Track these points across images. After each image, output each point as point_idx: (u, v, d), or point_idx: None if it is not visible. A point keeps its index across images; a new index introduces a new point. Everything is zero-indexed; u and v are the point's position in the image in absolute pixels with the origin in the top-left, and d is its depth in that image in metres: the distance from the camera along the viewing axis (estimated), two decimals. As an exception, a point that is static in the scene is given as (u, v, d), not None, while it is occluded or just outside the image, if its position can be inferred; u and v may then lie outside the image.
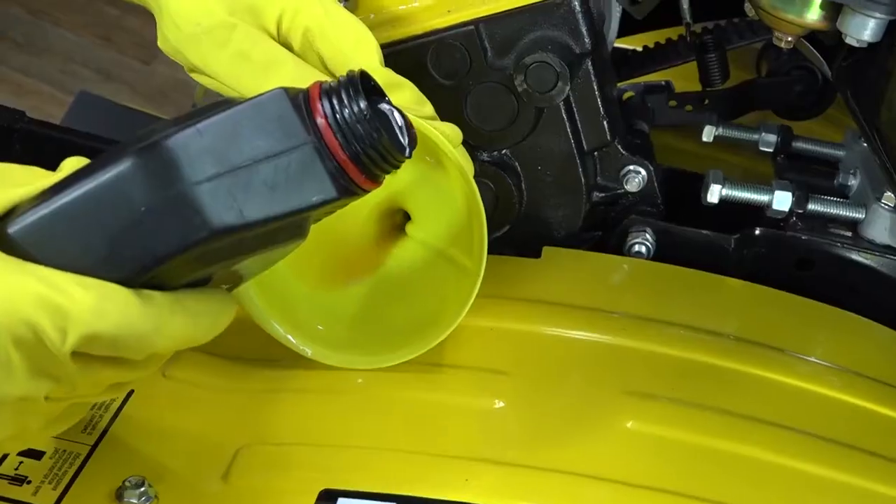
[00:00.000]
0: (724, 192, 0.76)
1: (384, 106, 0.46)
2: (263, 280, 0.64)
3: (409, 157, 0.46)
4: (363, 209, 0.68)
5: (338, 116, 0.44)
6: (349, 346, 0.66)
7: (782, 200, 0.76)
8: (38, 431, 0.47)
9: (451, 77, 0.72)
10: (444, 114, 0.61)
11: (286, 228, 0.45)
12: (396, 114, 0.46)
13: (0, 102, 0.87)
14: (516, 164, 0.76)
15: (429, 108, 0.60)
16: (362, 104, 0.44)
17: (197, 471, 0.60)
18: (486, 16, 0.70)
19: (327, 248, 0.67)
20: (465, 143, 0.62)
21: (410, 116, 0.53)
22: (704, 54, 0.86)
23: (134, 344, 0.43)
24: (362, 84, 0.45)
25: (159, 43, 0.62)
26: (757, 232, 0.77)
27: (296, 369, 0.66)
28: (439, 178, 0.65)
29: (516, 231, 0.77)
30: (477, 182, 0.61)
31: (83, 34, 1.77)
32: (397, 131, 0.46)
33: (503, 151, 0.76)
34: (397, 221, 0.69)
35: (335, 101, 0.44)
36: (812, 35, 0.72)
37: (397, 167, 0.46)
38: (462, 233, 0.64)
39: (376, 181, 0.46)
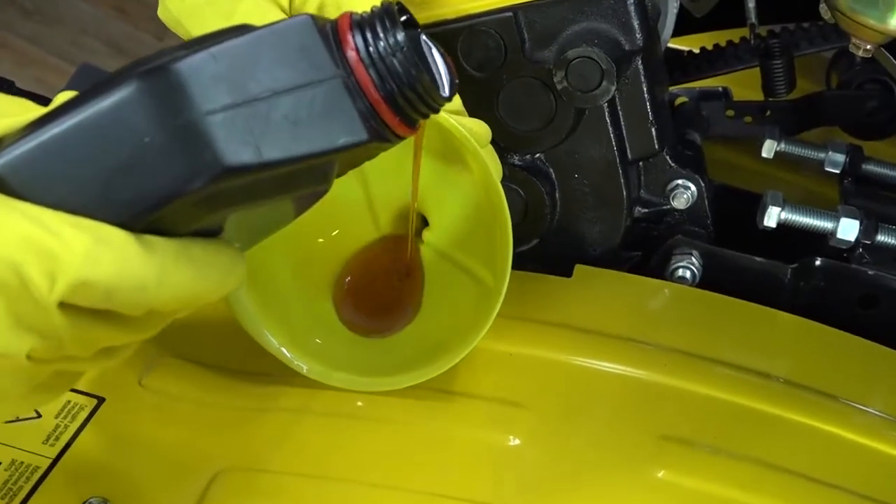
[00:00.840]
0: (784, 215, 0.74)
1: (422, 40, 0.44)
2: (258, 281, 0.63)
3: (450, 99, 0.44)
4: (376, 208, 0.67)
5: (371, 50, 0.42)
6: (350, 364, 0.65)
7: (848, 229, 0.74)
8: (17, 399, 0.44)
9: (483, 69, 0.71)
10: (472, 109, 0.60)
11: (308, 173, 0.43)
12: (435, 50, 0.44)
13: (-1, 72, 0.83)
14: (550, 170, 0.75)
15: (455, 101, 0.59)
16: (399, 37, 0.42)
17: (168, 494, 0.59)
18: (527, 1, 0.68)
19: (333, 250, 0.67)
20: (493, 143, 0.61)
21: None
22: (769, 60, 0.84)
23: (131, 296, 0.40)
24: (399, 15, 0.43)
25: (159, 12, 0.60)
26: (817, 262, 0.75)
27: (288, 387, 0.65)
28: (462, 181, 0.64)
29: (546, 245, 0.76)
30: (505, 188, 0.60)
31: (97, 4, 1.76)
32: (437, 69, 0.44)
33: (537, 155, 0.74)
34: (414, 226, 0.67)
35: (368, 33, 0.42)
36: (893, 44, 0.70)
37: (436, 111, 0.44)
38: (484, 244, 0.63)
39: (412, 127, 0.44)
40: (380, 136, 0.43)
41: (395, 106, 0.43)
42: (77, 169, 0.40)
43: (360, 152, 0.44)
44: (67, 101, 0.41)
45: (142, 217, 0.41)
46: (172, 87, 0.40)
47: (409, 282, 0.67)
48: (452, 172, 0.64)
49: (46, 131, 0.40)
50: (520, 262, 0.68)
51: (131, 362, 0.66)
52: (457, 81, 0.45)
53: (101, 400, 0.64)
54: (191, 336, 0.68)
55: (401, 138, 0.44)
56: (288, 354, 0.64)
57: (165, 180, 0.40)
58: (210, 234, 0.44)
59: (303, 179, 0.44)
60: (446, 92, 0.44)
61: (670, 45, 0.84)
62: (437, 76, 0.44)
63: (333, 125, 0.41)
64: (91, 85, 0.41)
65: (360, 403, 0.64)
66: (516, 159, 0.74)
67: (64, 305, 0.40)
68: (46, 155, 0.40)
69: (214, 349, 0.68)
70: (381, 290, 0.68)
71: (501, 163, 0.62)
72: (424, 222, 0.68)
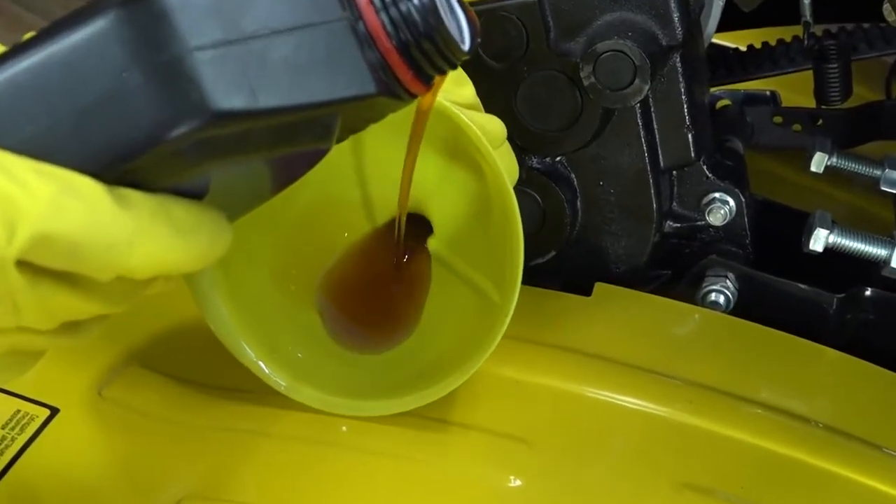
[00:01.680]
0: (832, 239, 0.73)
1: None
2: (236, 285, 0.62)
3: (471, 53, 0.43)
4: (375, 210, 0.66)
5: None
6: (335, 383, 0.63)
7: (905, 257, 0.72)
8: None
9: (502, 59, 0.69)
10: (487, 103, 0.58)
11: (307, 127, 0.42)
12: None
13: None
14: (572, 175, 0.73)
15: (468, 91, 0.57)
16: None
17: (124, 521, 0.58)
18: (554, -16, 0.66)
19: (323, 254, 0.66)
20: (510, 142, 0.60)
21: (442, 101, 0.53)
22: (824, 63, 0.83)
23: (99, 256, 0.39)
24: None
25: None
26: (867, 293, 0.73)
27: (265, 407, 0.64)
28: (471, 183, 0.62)
29: (564, 260, 0.74)
30: (520, 193, 0.60)
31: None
32: (456, 19, 0.43)
33: (558, 158, 0.73)
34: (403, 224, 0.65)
35: None
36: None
37: (455, 66, 0.43)
38: (493, 255, 0.61)
39: (426, 83, 0.42)
40: (389, 91, 0.42)
41: (409, 58, 0.41)
42: (44, 108, 0.39)
43: (366, 108, 0.43)
44: (38, 33, 0.39)
45: (116, 166, 0.39)
46: (156, 17, 0.38)
47: (408, 292, 0.66)
48: (460, 172, 0.62)
49: (10, 67, 0.38)
50: (533, 277, 0.68)
51: (91, 369, 0.65)
52: (479, 35, 0.43)
53: (54, 410, 0.63)
54: (160, 343, 0.68)
55: (413, 96, 0.43)
56: (265, 368, 0.63)
57: (144, 124, 0.39)
58: (193, 195, 0.42)
59: (301, 133, 0.42)
60: (467, 45, 0.43)
61: (714, 40, 0.83)
62: (457, 25, 0.43)
63: (338, 74, 0.40)
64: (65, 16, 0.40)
65: (344, 429, 0.63)
66: (535, 162, 0.73)
67: (22, 264, 0.38)
68: (9, 91, 0.38)
69: (186, 360, 0.67)
70: (375, 299, 0.67)
71: (518, 165, 0.61)
72: (430, 227, 0.66)
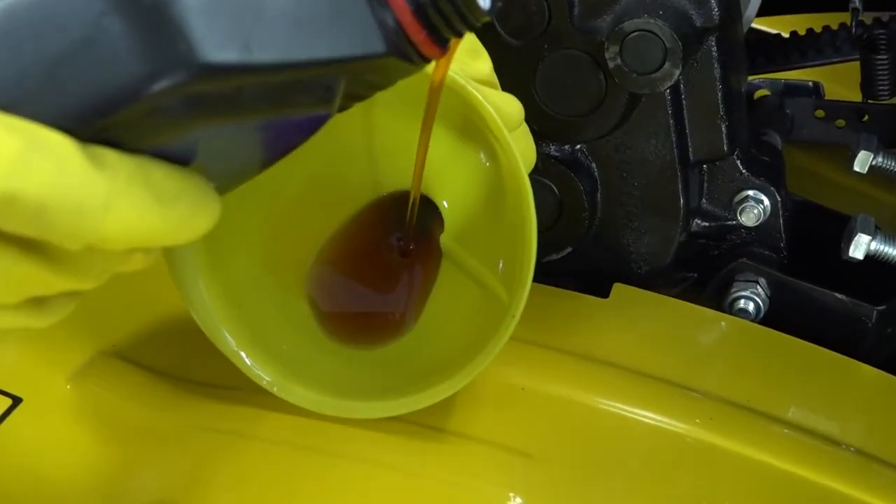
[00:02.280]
0: (874, 246, 0.73)
1: None
2: (220, 266, 0.61)
3: (492, 13, 0.42)
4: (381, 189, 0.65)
5: None
6: (324, 381, 0.62)
7: (953, 268, 0.73)
8: None
9: (521, 35, 0.69)
10: (504, 83, 0.58)
11: (307, 88, 0.41)
12: None
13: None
14: (593, 165, 0.73)
15: (484, 65, 0.57)
16: None
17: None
18: (580, -45, 0.67)
19: (318, 235, 0.65)
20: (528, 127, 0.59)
21: (453, 75, 0.51)
22: (872, 54, 0.83)
23: (68, 220, 0.37)
24: None
25: None
26: None
27: (247, 406, 0.63)
28: (481, 168, 0.62)
29: (581, 257, 0.74)
30: (535, 182, 0.59)
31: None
32: None
33: (578, 147, 0.73)
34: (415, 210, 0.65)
35: None
36: None
37: (473, 28, 0.42)
38: (503, 249, 0.61)
39: (442, 47, 0.42)
40: (400, 53, 0.41)
41: (423, 16, 0.41)
42: (11, 55, 0.37)
43: (373, 71, 0.42)
44: None
45: (91, 122, 0.38)
46: None
47: (411, 283, 0.66)
48: (471, 155, 0.62)
49: None
50: (546, 275, 0.70)
51: (60, 357, 0.65)
52: None
53: (17, 400, 0.63)
54: (137, 332, 0.67)
55: (425, 60, 0.42)
56: (247, 360, 0.62)
57: (124, 76, 0.37)
58: (177, 160, 0.41)
59: (299, 95, 0.41)
60: (487, 4, 0.42)
61: (754, 25, 0.83)
62: None
63: (343, 30, 0.40)
64: None
65: (332, 433, 0.61)
66: (553, 149, 0.73)
67: None
68: None
69: (164, 351, 0.66)
70: (373, 289, 0.66)
71: (535, 152, 0.61)
72: (440, 214, 0.64)
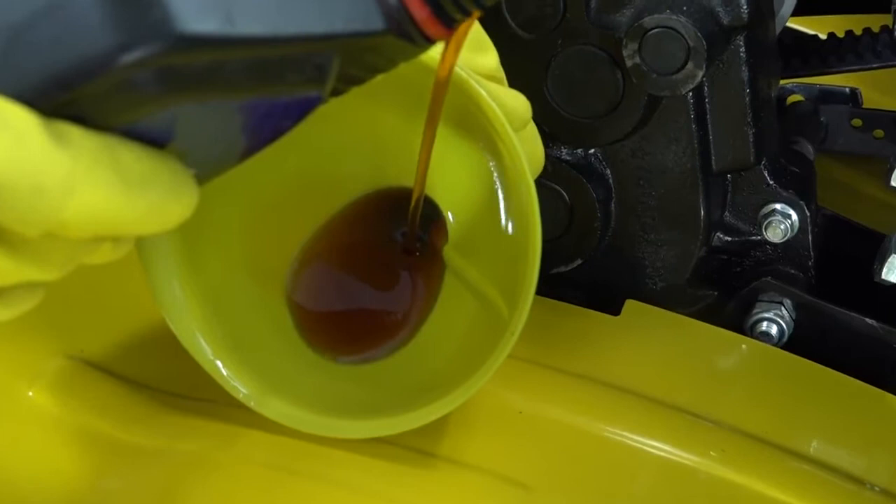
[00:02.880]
0: None
1: None
2: (196, 261, 0.60)
3: None
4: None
5: None
6: (306, 397, 0.62)
7: None
8: None
9: (533, 27, 0.68)
10: (514, 79, 0.58)
11: (296, 66, 0.41)
12: None
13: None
14: (608, 171, 0.72)
15: (490, 58, 0.56)
16: None
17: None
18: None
19: (305, 235, 0.64)
20: (537, 127, 0.59)
21: (456, 69, 0.50)
22: None
23: (25, 201, 0.37)
24: None
25: None
26: None
27: (221, 422, 0.62)
28: (485, 171, 0.61)
29: (591, 270, 0.74)
30: (544, 187, 0.62)
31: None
32: None
33: (592, 150, 0.72)
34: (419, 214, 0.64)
35: None
36: None
37: (483, 7, 0.42)
38: (505, 259, 0.60)
39: (448, 27, 0.41)
40: (401, 31, 0.41)
41: None
42: None
43: (371, 51, 0.42)
44: None
45: (54, 95, 0.37)
46: None
47: (413, 292, 0.65)
48: (471, 156, 0.61)
49: None
50: (553, 288, 0.70)
51: (19, 362, 0.64)
52: None
53: None
54: (105, 337, 0.67)
55: (429, 41, 0.41)
56: (224, 370, 0.61)
57: (91, 45, 0.36)
58: (151, 141, 0.41)
59: (288, 73, 0.41)
60: None
61: (789, 25, 0.83)
62: None
63: (338, 3, 0.39)
64: None
65: (311, 455, 0.61)
66: (564, 153, 0.72)
67: None
68: None
69: (132, 357, 0.66)
70: (367, 294, 0.65)
71: (544, 155, 0.60)
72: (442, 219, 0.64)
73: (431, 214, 0.64)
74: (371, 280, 0.66)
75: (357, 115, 0.62)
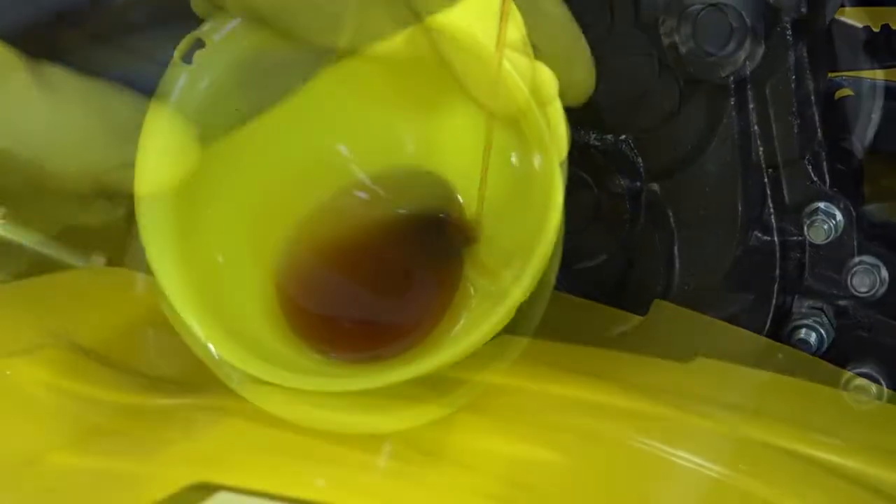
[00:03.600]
0: None
1: None
2: (194, 236, 0.58)
3: None
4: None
5: None
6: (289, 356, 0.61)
7: None
8: None
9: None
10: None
11: (305, 7, 0.43)
12: None
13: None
14: (639, 161, 0.72)
15: (514, 28, 0.54)
16: None
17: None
18: None
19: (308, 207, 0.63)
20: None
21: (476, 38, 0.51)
22: None
23: (5, 143, 0.37)
24: None
25: None
26: None
27: (217, 412, 0.61)
28: (505, 147, 0.60)
29: (619, 266, 0.74)
30: (569, 174, 0.57)
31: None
32: None
33: (623, 137, 0.71)
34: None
35: None
36: None
37: None
38: (520, 245, 0.58)
39: None
40: None
41: None
42: None
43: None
44: None
45: (42, 31, 0.38)
46: None
47: (427, 302, 0.64)
48: (496, 137, 0.59)
49: None
50: (575, 284, 0.71)
51: (4, 344, 0.63)
52: None
53: None
54: (94, 319, 0.67)
55: None
56: (216, 354, 0.59)
57: None
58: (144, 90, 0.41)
59: (298, 17, 0.42)
60: None
61: (840, 16, 0.81)
62: None
63: None
64: None
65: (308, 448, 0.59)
66: (593, 138, 0.72)
67: None
68: None
69: (123, 341, 0.66)
70: (368, 296, 0.65)
71: (571, 139, 0.58)
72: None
73: (449, 197, 0.64)
74: (377, 281, 0.65)
75: (346, 104, 0.62)
